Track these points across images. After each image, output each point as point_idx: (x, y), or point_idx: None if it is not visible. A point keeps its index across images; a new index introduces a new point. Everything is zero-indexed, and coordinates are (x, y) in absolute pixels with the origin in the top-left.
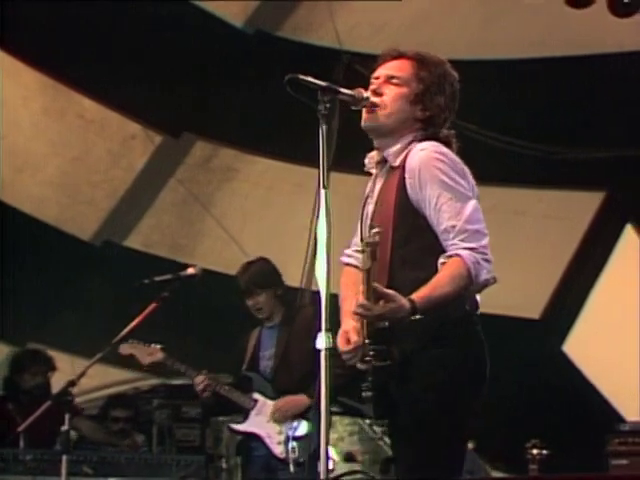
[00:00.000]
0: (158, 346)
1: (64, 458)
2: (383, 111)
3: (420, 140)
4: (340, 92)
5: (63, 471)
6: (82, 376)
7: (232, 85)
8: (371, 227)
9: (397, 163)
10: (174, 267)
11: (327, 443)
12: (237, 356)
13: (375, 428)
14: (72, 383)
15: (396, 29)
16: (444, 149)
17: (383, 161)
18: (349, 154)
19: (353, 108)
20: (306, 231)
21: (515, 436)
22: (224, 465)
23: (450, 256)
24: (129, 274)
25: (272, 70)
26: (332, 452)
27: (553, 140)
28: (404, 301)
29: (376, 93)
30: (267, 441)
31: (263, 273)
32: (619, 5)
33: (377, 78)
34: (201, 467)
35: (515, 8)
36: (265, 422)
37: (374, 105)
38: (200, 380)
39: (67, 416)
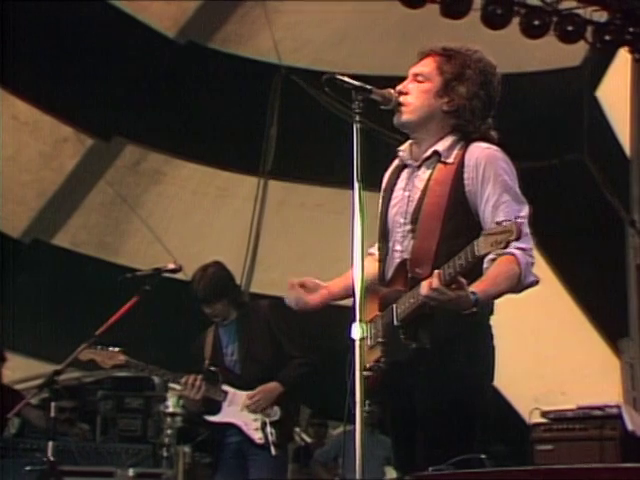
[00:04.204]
0: (117, 349)
1: (50, 444)
2: (407, 108)
3: (472, 139)
4: (372, 92)
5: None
6: (68, 366)
7: (163, 92)
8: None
9: (452, 160)
10: (100, 265)
11: (363, 438)
12: (196, 356)
13: None
14: (58, 372)
15: (318, 45)
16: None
17: (433, 155)
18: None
19: (383, 107)
20: (229, 233)
21: None
22: (165, 454)
23: (501, 253)
24: (56, 271)
25: (201, 79)
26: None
27: None
28: (470, 292)
29: (402, 92)
30: (244, 429)
31: (219, 282)
32: (530, 27)
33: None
34: (148, 455)
35: (433, 26)
36: (239, 411)
37: (400, 104)
38: (193, 380)
39: (53, 404)
